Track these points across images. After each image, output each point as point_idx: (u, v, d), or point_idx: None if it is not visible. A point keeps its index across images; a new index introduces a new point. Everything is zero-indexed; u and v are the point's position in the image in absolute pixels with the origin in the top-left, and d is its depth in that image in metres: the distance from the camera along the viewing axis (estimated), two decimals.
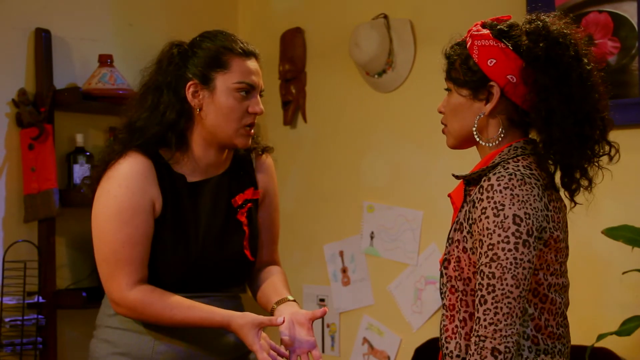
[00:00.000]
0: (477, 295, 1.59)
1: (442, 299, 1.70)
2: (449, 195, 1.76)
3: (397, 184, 3.28)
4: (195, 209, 1.99)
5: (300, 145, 3.54)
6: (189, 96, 1.95)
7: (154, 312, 1.91)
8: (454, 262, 1.67)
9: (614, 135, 1.71)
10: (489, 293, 1.57)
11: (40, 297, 2.95)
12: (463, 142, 1.75)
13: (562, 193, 1.71)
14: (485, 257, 1.58)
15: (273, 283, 2.07)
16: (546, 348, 1.64)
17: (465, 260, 1.65)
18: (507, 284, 1.56)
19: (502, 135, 1.69)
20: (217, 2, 3.68)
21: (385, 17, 3.26)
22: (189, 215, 1.98)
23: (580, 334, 2.36)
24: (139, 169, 1.93)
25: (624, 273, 2.56)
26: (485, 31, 1.69)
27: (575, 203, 1.70)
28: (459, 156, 3.02)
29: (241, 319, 1.88)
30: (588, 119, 1.63)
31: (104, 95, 3.09)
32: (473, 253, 1.63)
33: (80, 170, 3.10)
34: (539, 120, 1.63)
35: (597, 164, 1.67)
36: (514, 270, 1.56)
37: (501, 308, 1.56)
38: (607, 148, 1.67)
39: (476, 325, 1.58)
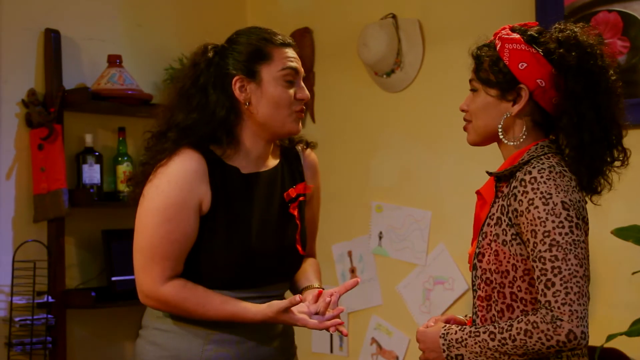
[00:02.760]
0: (541, 281, 1.62)
1: (475, 290, 1.75)
2: (478, 192, 1.82)
3: (405, 184, 3.28)
4: (250, 201, 2.00)
5: None
6: (236, 91, 1.97)
7: (187, 308, 1.92)
8: (490, 256, 1.72)
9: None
10: (555, 275, 1.60)
11: (50, 297, 2.96)
12: (485, 139, 1.82)
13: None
14: (543, 245, 1.63)
15: (305, 271, 2.10)
16: None
17: (504, 253, 1.70)
18: (572, 264, 1.61)
19: (525, 136, 1.76)
20: (225, 3, 3.68)
21: (394, 17, 3.26)
22: (244, 207, 1.99)
23: (590, 335, 2.35)
24: (191, 166, 1.94)
25: (633, 273, 2.56)
26: (516, 35, 1.76)
27: (592, 203, 1.76)
28: (468, 156, 3.03)
29: (270, 312, 1.89)
30: (612, 126, 1.73)
31: (113, 95, 3.10)
32: (512, 245, 1.69)
33: (89, 171, 3.11)
34: (570, 124, 1.71)
35: (613, 168, 1.76)
36: (575, 251, 1.62)
37: (571, 287, 1.59)
38: (621, 154, 1.75)
39: (545, 309, 1.60)
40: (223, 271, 1.96)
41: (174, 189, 1.92)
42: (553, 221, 1.62)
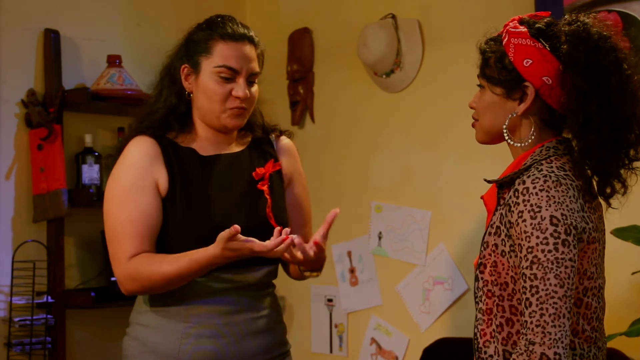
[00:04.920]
0: (522, 299, 1.56)
1: (477, 303, 1.68)
2: (482, 198, 1.74)
3: (405, 184, 3.28)
4: (209, 180, 2.01)
5: (308, 146, 3.53)
6: (183, 80, 2.04)
7: (146, 274, 1.91)
8: (490, 267, 1.64)
9: None
10: (532, 295, 1.53)
11: (49, 297, 2.96)
12: (493, 138, 1.74)
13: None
14: (526, 261, 1.55)
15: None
16: (582, 352, 1.62)
17: (503, 265, 1.63)
18: (550, 284, 1.53)
19: (533, 136, 1.67)
20: (225, 3, 3.67)
21: (394, 17, 3.26)
22: (202, 185, 2.00)
23: None
24: (141, 149, 1.99)
25: (633, 274, 2.56)
26: (523, 29, 1.66)
27: (610, 206, 1.68)
28: (468, 156, 3.03)
29: (219, 244, 1.84)
30: (626, 125, 1.62)
31: (113, 95, 3.10)
32: (510, 257, 1.61)
33: (89, 171, 3.11)
34: (576, 125, 1.61)
35: (631, 168, 1.65)
36: (556, 270, 1.53)
37: (547, 309, 1.52)
38: None
39: (524, 329, 1.55)
40: (189, 249, 1.92)
41: (126, 171, 1.98)
42: (537, 237, 1.54)
